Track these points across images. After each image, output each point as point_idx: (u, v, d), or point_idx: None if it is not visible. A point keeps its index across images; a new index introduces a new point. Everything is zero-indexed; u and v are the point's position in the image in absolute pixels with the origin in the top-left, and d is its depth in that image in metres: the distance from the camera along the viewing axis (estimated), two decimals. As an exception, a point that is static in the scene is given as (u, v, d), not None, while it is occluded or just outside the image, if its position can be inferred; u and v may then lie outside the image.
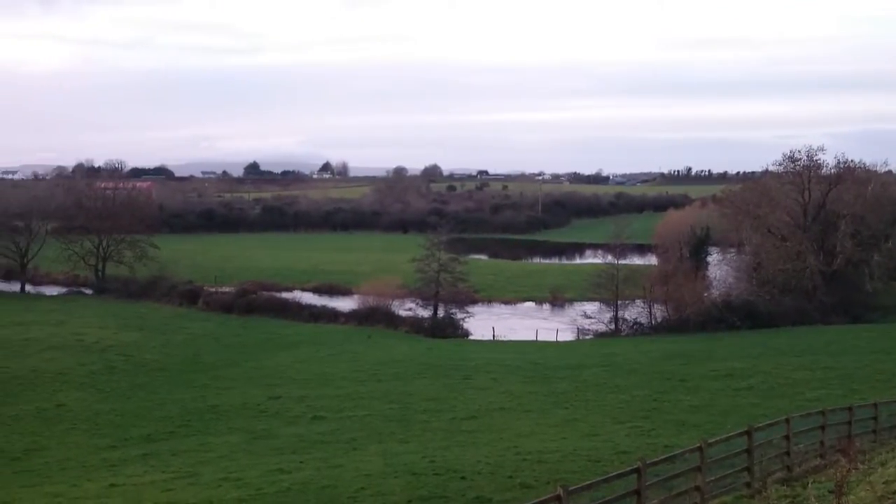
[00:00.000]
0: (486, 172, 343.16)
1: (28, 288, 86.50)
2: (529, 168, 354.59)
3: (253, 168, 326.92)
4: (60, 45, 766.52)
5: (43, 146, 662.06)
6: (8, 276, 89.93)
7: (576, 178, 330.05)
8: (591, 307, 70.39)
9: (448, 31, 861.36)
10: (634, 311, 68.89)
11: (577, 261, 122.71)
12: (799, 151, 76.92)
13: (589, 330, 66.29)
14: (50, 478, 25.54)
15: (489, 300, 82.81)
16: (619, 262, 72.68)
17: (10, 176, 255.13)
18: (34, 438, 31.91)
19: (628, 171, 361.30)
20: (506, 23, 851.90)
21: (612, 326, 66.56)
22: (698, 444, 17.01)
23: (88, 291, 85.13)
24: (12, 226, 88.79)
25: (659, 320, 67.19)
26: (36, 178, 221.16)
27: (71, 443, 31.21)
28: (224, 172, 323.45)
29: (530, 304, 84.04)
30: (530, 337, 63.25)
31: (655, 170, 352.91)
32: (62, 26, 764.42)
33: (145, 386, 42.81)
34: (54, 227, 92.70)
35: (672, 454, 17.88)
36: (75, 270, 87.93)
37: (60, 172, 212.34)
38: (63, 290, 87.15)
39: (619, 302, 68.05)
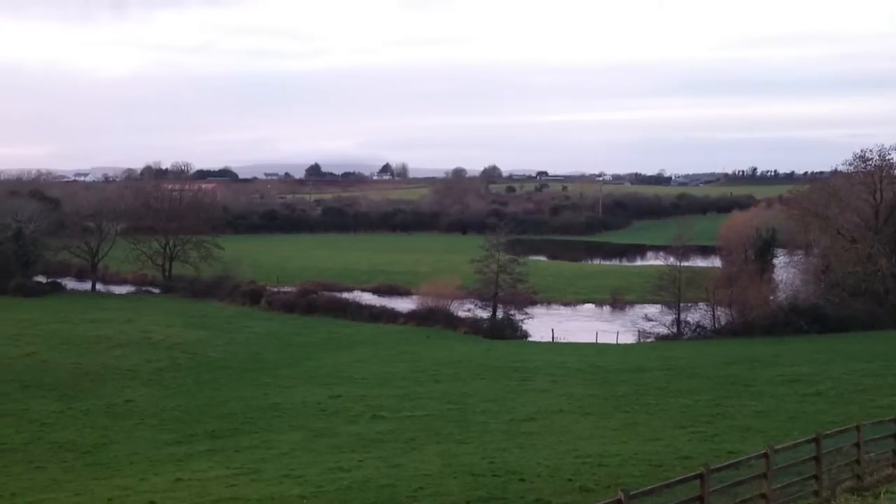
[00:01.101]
0: (545, 173, 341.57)
1: (98, 287, 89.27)
2: (590, 169, 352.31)
3: (314, 169, 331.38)
4: (130, 50, 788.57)
5: (113, 149, 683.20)
6: (80, 275, 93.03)
7: (637, 178, 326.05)
8: (652, 310, 69.34)
9: (510, 31, 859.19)
10: (697, 314, 67.66)
11: (639, 262, 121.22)
12: (870, 151, 74.72)
13: (650, 333, 65.31)
14: (119, 471, 26.26)
15: (548, 302, 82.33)
16: (682, 264, 71.42)
17: (82, 178, 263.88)
18: (104, 432, 32.88)
19: (691, 172, 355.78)
20: (568, 22, 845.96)
21: (674, 329, 65.46)
22: (764, 451, 16.61)
23: (156, 290, 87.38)
24: (84, 226, 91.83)
25: (722, 324, 65.83)
26: (106, 180, 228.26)
27: (139, 437, 32.06)
28: (286, 174, 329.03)
29: (590, 306, 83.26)
30: (590, 339, 62.65)
31: (719, 170, 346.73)
32: (131, 32, 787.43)
33: (210, 383, 43.72)
34: (123, 228, 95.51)
35: (737, 460, 17.50)
36: (143, 270, 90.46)
37: (129, 175, 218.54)
38: (131, 288, 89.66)
39: (682, 304, 66.89)
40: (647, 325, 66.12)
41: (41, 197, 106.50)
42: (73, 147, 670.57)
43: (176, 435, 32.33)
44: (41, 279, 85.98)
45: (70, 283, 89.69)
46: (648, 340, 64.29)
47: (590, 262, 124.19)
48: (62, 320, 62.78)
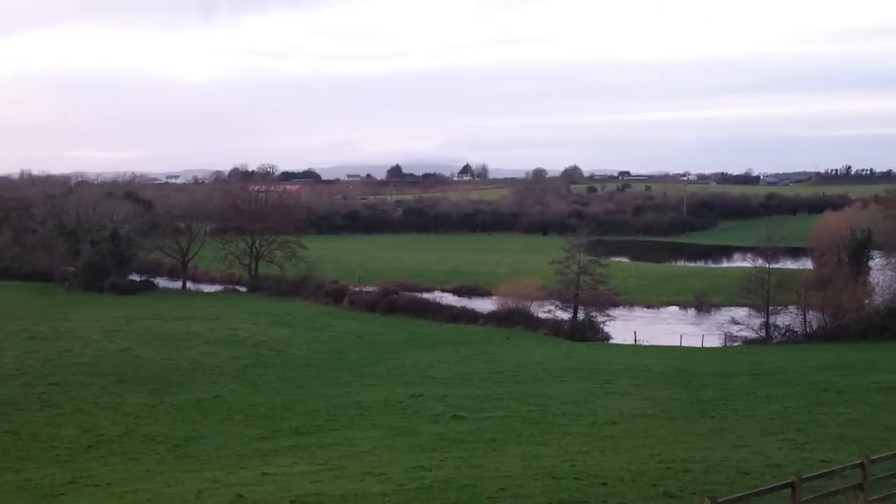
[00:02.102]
0: (627, 173, 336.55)
1: (189, 285, 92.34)
2: (674, 168, 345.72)
3: (395, 171, 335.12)
4: (218, 56, 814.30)
5: (202, 152, 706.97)
6: (171, 274, 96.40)
7: (723, 178, 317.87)
8: (739, 313, 67.50)
9: (591, 30, 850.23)
10: (787, 318, 65.52)
11: (725, 264, 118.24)
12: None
13: (737, 336, 63.56)
14: (208, 464, 27.03)
15: (630, 303, 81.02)
16: (771, 265, 69.27)
17: (173, 180, 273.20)
18: (194, 426, 33.92)
19: (781, 171, 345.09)
20: (651, 19, 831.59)
21: (763, 333, 63.53)
22: (860, 460, 15.94)
23: (242, 289, 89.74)
24: (175, 227, 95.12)
25: (814, 328, 63.58)
26: (196, 182, 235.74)
27: (226, 432, 32.94)
28: (368, 175, 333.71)
29: (674, 308, 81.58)
30: (674, 342, 61.39)
31: (811, 169, 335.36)
32: (219, 39, 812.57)
33: (294, 380, 44.61)
34: (212, 228, 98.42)
35: (830, 469, 16.84)
36: (231, 269, 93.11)
37: (218, 177, 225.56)
38: (219, 287, 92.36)
39: (771, 308, 64.86)
40: (733, 329, 64.39)
41: (135, 199, 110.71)
42: (164, 150, 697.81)
43: (262, 430, 33.09)
44: (135, 277, 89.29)
45: (162, 282, 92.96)
46: (735, 344, 62.58)
47: (673, 264, 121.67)
48: (155, 317, 65.08)
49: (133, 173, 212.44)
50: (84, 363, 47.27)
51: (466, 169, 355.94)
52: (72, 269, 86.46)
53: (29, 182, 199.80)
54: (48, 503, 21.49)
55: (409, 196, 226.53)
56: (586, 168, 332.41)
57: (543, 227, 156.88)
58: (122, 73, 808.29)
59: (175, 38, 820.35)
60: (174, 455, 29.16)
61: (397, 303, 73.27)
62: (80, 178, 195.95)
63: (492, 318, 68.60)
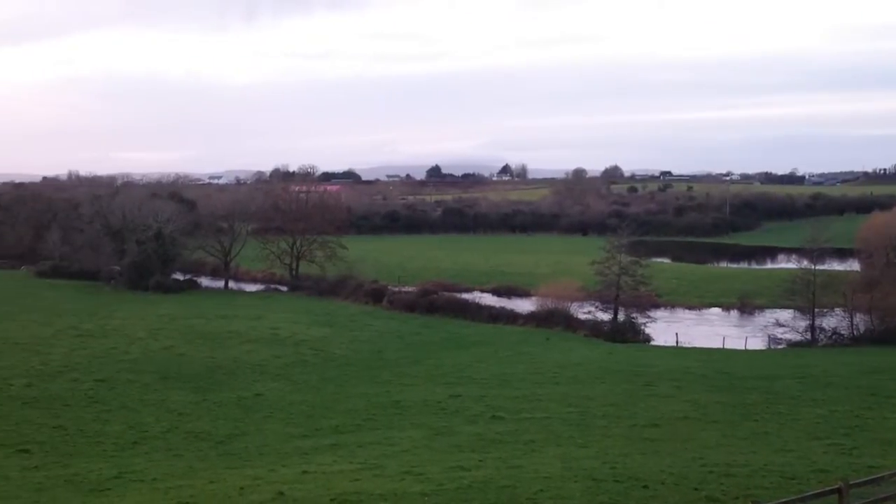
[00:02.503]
0: (669, 173, 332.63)
1: (231, 284, 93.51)
2: (716, 168, 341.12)
3: (435, 171, 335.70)
4: (260, 58, 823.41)
5: (244, 152, 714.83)
6: (214, 273, 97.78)
7: (767, 178, 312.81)
8: (784, 315, 66.35)
9: (632, 29, 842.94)
10: (833, 321, 64.23)
11: (769, 265, 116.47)
12: None
13: (781, 339, 62.50)
14: (250, 461, 27.34)
15: (672, 305, 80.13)
16: (816, 267, 67.94)
17: (216, 181, 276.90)
18: (236, 424, 34.33)
19: (827, 171, 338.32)
20: (696, 17, 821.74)
21: (808, 336, 62.38)
22: (910, 467, 15.56)
23: (283, 288, 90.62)
24: (218, 227, 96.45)
25: (861, 331, 62.24)
26: (238, 182, 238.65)
27: (267, 430, 33.28)
28: (407, 175, 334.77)
29: (716, 310, 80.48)
30: (716, 345, 60.56)
31: (858, 168, 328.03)
32: (261, 41, 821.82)
33: (334, 379, 44.92)
34: (254, 228, 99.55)
35: (879, 475, 16.49)
36: (272, 269, 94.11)
37: (259, 177, 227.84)
38: (261, 286, 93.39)
39: (816, 310, 63.62)
40: (778, 331, 63.33)
41: (179, 199, 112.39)
42: (207, 151, 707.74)
43: (302, 429, 33.37)
44: (179, 277, 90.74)
45: (205, 281, 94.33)
46: (780, 347, 61.55)
47: (716, 265, 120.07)
48: (197, 316, 66.04)
49: (177, 174, 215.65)
50: (129, 360, 48.18)
51: (506, 169, 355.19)
52: (118, 268, 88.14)
53: (77, 183, 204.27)
54: (95, 497, 21.90)
55: (449, 196, 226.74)
56: (627, 168, 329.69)
57: (583, 228, 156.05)
58: (168, 75, 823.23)
59: (219, 40, 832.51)
60: (216, 452, 29.54)
61: (436, 303, 73.37)
62: (125, 179, 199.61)
63: (531, 318, 68.35)
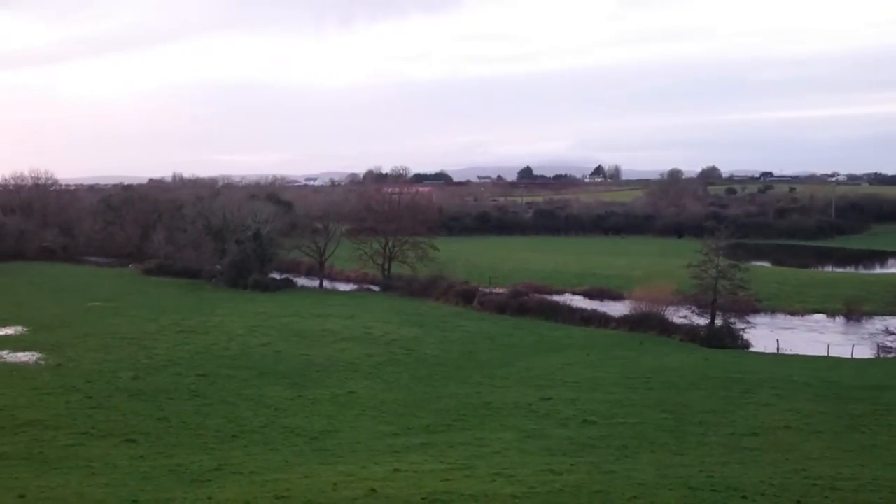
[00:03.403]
0: (770, 174, 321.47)
1: (325, 284, 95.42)
2: (821, 168, 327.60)
3: (526, 172, 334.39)
4: (355, 62, 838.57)
5: (338, 154, 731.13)
6: (309, 273, 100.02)
7: (877, 178, 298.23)
8: (894, 322, 63.05)
9: (735, 24, 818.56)
10: (950, 329, 60.66)
11: (878, 270, 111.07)
12: None
13: (892, 348, 59.41)
14: (342, 458, 27.80)
15: (772, 310, 77.33)
16: (931, 272, 64.40)
17: (311, 182, 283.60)
18: (329, 420, 34.99)
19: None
20: (801, 11, 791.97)
21: (921, 345, 59.13)
22: None
23: (375, 288, 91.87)
24: (313, 227, 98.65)
25: (980, 340, 58.57)
26: (332, 184, 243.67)
27: (360, 427, 33.79)
28: (498, 176, 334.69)
29: (820, 316, 77.17)
30: (820, 352, 58.10)
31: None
32: (356, 45, 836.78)
33: (425, 379, 45.24)
34: (347, 229, 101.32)
35: None
36: (365, 269, 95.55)
37: (353, 179, 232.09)
38: (354, 286, 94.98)
39: (931, 317, 60.30)
40: (888, 340, 60.25)
41: (276, 200, 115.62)
42: (303, 154, 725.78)
43: (394, 427, 33.73)
44: (276, 276, 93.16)
45: (300, 280, 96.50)
46: (890, 356, 58.52)
47: (820, 269, 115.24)
48: (293, 314, 67.66)
49: (274, 175, 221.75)
50: (229, 356, 49.77)
51: (598, 170, 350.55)
52: (218, 266, 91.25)
53: (180, 184, 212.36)
54: (197, 488, 22.66)
55: (540, 197, 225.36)
56: (725, 169, 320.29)
57: (679, 230, 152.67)
58: (266, 80, 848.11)
59: (316, 45, 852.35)
60: (311, 447, 30.17)
61: (527, 305, 72.93)
62: (226, 181, 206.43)
63: (624, 322, 67.14)
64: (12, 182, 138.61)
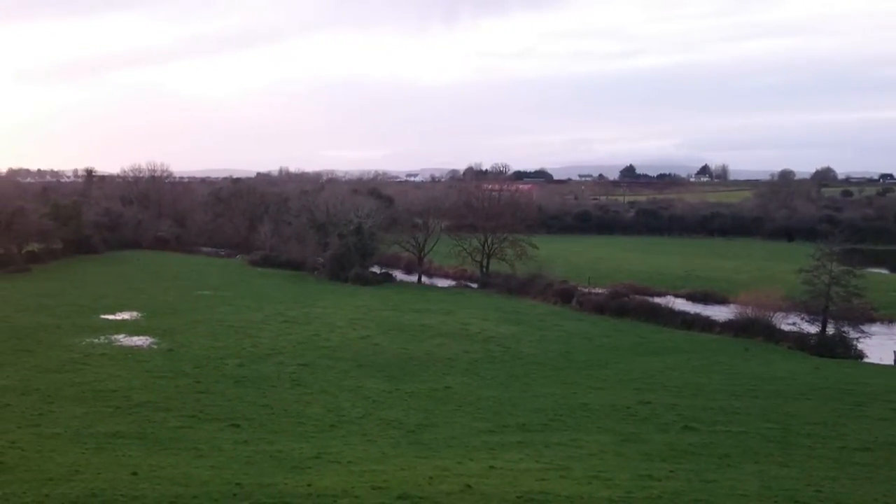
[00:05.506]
0: (890, 176, 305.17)
1: (423, 279, 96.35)
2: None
3: (629, 171, 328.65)
4: (458, 58, 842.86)
5: (439, 151, 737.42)
6: (408, 268, 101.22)
7: None
8: None
9: (846, 20, 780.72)
10: None
11: None
12: None
13: None
14: (438, 452, 28.00)
15: (890, 320, 73.41)
16: None
17: (412, 178, 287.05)
18: (426, 414, 35.31)
19: None
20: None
21: None
22: None
23: (473, 285, 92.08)
24: (413, 223, 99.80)
25: None
26: (433, 180, 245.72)
27: (456, 423, 33.94)
28: (600, 175, 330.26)
29: (944, 327, 72.76)
30: (942, 365, 54.79)
31: None
32: (460, 41, 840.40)
33: (521, 377, 45.06)
34: (447, 225, 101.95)
35: None
36: (463, 265, 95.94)
37: (453, 175, 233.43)
38: (451, 282, 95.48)
39: None
40: None
41: (378, 195, 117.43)
42: (404, 150, 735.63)
43: (489, 424, 33.74)
44: (376, 270, 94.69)
45: (399, 275, 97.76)
46: None
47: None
48: (392, 308, 68.61)
49: (376, 171, 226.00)
50: (329, 347, 50.92)
51: (705, 170, 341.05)
52: (321, 259, 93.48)
53: (286, 178, 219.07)
54: (297, 474, 23.25)
55: (642, 197, 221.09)
56: (841, 170, 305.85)
57: (789, 233, 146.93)
58: (370, 77, 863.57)
59: (419, 42, 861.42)
60: (407, 440, 30.51)
61: (627, 306, 71.64)
62: (329, 176, 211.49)
63: (728, 327, 65.05)
64: (131, 174, 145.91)
